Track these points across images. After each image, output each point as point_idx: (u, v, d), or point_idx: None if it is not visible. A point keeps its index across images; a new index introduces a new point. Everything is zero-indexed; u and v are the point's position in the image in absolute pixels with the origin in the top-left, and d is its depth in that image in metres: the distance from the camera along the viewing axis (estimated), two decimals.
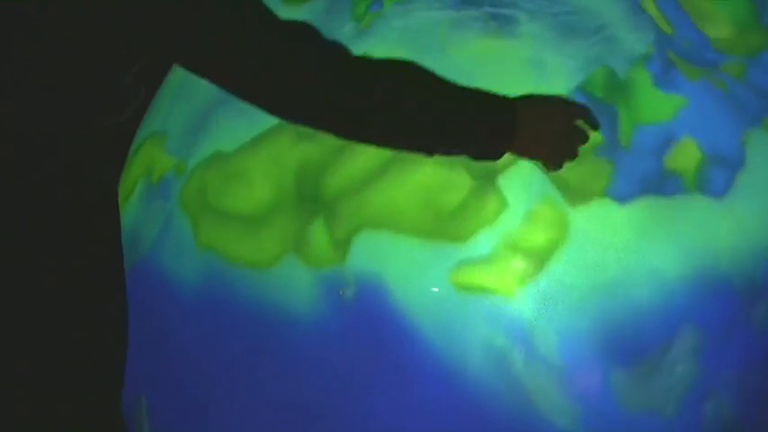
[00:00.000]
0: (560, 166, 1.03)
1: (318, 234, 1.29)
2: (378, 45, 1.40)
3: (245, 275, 1.33)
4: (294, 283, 1.30)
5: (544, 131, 1.00)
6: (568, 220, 1.25)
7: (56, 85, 0.93)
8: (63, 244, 1.06)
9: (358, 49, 1.38)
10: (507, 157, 1.00)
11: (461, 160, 1.06)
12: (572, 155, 1.02)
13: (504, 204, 1.25)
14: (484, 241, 1.24)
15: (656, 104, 1.29)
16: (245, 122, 1.38)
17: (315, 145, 1.32)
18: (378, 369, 1.26)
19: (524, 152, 1.01)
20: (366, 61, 1.00)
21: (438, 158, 1.03)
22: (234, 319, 1.35)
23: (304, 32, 0.95)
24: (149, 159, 1.50)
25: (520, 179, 1.26)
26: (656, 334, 1.24)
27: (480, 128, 0.98)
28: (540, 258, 1.24)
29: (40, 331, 1.08)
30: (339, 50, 0.97)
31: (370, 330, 1.25)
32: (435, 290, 1.24)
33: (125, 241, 1.39)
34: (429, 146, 0.99)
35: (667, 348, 1.23)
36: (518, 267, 1.24)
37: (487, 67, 1.33)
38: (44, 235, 1.03)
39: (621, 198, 1.26)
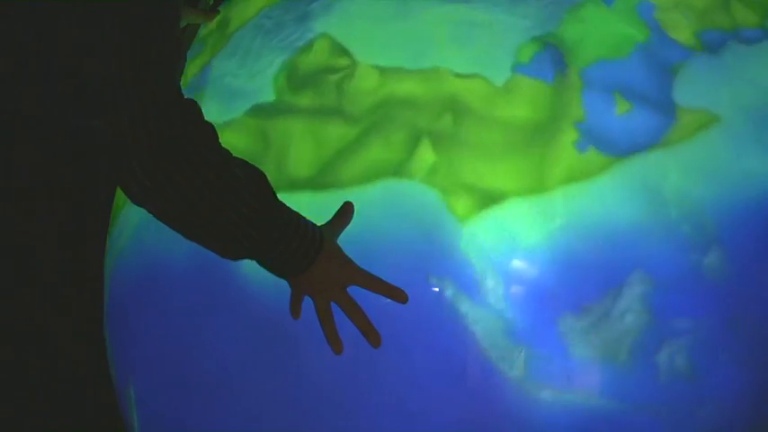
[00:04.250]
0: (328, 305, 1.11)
1: None
2: (339, 18, 1.46)
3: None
4: None
5: (329, 278, 1.11)
6: (520, 167, 1.27)
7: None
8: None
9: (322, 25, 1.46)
10: None
11: None
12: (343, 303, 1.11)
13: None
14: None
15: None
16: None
17: None
18: None
19: (303, 288, 1.12)
20: (226, 153, 1.07)
21: None
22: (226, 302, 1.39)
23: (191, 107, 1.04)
24: None
25: None
26: (605, 281, 1.24)
27: (282, 254, 1.08)
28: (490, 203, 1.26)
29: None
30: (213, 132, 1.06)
31: None
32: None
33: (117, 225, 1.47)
34: (230, 249, 1.08)
35: (617, 296, 1.23)
36: (466, 208, 1.26)
37: (443, 30, 1.38)
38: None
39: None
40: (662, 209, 1.25)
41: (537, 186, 1.26)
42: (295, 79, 1.44)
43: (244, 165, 1.09)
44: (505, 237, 1.25)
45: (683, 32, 1.35)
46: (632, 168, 1.26)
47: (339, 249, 1.14)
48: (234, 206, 1.04)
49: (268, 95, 1.45)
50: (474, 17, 1.40)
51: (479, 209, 1.26)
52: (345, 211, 1.17)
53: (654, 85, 1.30)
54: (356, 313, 1.11)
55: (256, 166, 1.10)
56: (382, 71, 1.38)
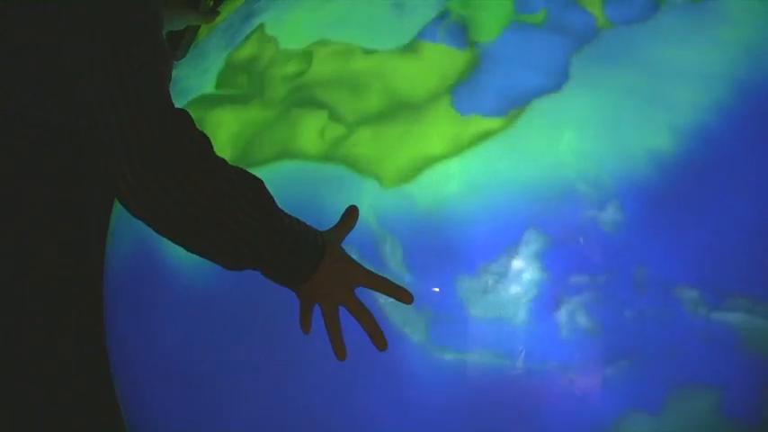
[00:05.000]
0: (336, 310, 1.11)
1: None
2: (275, 10, 1.54)
3: None
4: None
5: (335, 282, 1.10)
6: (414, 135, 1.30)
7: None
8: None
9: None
10: None
11: None
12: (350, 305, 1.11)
13: None
14: None
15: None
16: None
17: None
18: None
19: (310, 295, 1.11)
20: (221, 161, 1.09)
21: None
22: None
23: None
24: None
25: None
26: (501, 241, 1.24)
27: (285, 261, 1.08)
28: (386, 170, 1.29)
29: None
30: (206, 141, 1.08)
31: None
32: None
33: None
34: (232, 259, 1.08)
35: (512, 255, 1.24)
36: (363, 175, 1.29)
37: (357, 11, 1.43)
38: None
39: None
40: (557, 168, 1.24)
41: (431, 151, 1.28)
42: (231, 71, 1.52)
43: (240, 173, 1.09)
44: (402, 202, 1.28)
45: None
46: (526, 129, 1.27)
47: (343, 252, 1.14)
48: (231, 214, 1.04)
49: (210, 89, 1.53)
50: None
51: (375, 176, 1.29)
52: (349, 215, 1.17)
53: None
54: (364, 315, 1.11)
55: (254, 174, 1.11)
56: (302, 55, 1.43)
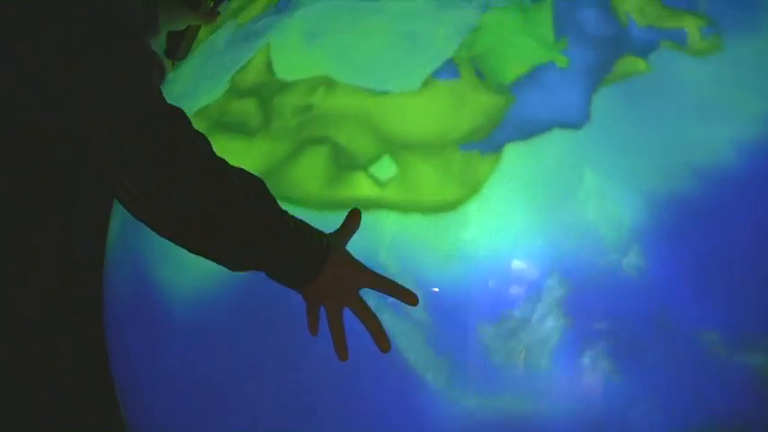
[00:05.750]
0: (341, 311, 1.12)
1: None
2: (278, 33, 1.49)
3: None
4: None
5: (341, 284, 1.11)
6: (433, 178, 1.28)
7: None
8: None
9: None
10: None
11: None
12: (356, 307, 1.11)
13: None
14: None
15: None
16: None
17: None
18: None
19: (316, 297, 1.11)
20: (221, 161, 1.08)
21: None
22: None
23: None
24: None
25: None
26: (523, 288, 1.23)
27: (291, 262, 1.07)
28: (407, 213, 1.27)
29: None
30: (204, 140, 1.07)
31: None
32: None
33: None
34: (236, 260, 1.08)
35: (535, 301, 1.22)
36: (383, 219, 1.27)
37: (366, 43, 1.39)
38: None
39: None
40: (579, 211, 1.23)
41: (448, 195, 1.26)
42: (234, 95, 1.48)
43: (241, 173, 1.09)
44: (423, 247, 1.26)
45: None
46: (546, 170, 1.25)
47: (348, 254, 1.14)
48: (233, 214, 1.03)
49: (212, 112, 1.49)
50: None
51: (396, 219, 1.26)
52: (353, 218, 1.17)
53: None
54: (369, 317, 1.12)
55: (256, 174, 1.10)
56: (310, 87, 1.40)
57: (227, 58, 1.56)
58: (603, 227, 1.22)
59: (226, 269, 1.11)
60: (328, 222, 1.21)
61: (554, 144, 1.25)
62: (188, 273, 1.38)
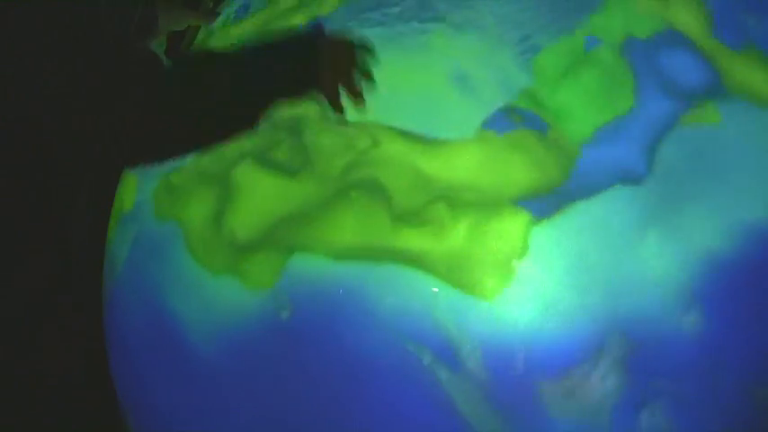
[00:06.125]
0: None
1: None
2: None
3: None
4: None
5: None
6: (493, 236, 1.26)
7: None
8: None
9: None
10: None
11: None
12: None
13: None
14: None
15: None
16: None
17: None
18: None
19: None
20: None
21: None
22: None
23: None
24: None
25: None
26: (584, 345, 1.22)
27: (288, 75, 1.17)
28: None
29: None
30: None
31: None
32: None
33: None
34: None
35: (597, 359, 1.22)
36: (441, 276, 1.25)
37: (412, 83, 1.35)
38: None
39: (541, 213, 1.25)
40: (641, 270, 1.22)
41: (510, 251, 1.24)
42: (275, 129, 1.43)
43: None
44: (482, 302, 1.24)
45: None
46: (607, 228, 1.23)
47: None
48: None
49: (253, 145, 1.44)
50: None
51: (447, 278, 1.25)
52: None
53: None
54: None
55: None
56: (355, 129, 1.36)
57: None
58: (665, 285, 1.22)
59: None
60: (369, 275, 1.20)
61: (616, 200, 1.24)
62: (211, 310, 1.35)
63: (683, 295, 1.22)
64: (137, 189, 1.53)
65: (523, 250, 1.24)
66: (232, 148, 1.41)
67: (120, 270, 1.52)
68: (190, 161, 1.45)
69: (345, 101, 1.16)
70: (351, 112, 1.34)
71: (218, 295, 1.37)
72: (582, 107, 1.28)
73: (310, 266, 1.28)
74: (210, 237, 1.41)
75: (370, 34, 1.40)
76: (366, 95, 1.25)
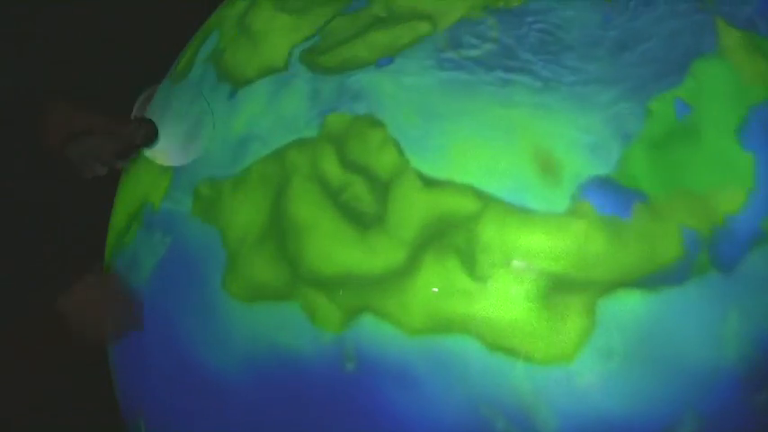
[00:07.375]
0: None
1: None
2: (380, 106, 1.39)
3: None
4: None
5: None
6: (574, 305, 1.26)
7: None
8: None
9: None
10: None
11: None
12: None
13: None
14: None
15: None
16: None
17: None
18: None
19: None
20: None
21: None
22: None
23: None
24: None
25: None
26: (658, 422, 1.25)
27: None
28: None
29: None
30: None
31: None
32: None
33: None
34: None
35: None
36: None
37: (496, 137, 1.32)
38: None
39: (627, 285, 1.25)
40: (721, 351, 1.24)
41: (592, 323, 1.24)
42: (351, 169, 1.38)
43: None
44: (559, 373, 1.25)
45: None
46: (691, 308, 1.25)
47: None
48: None
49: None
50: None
51: (532, 351, 1.25)
52: None
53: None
54: None
55: None
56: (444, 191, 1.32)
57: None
58: (742, 367, 1.24)
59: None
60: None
61: (703, 284, 1.24)
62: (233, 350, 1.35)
63: (757, 375, 1.24)
64: (169, 190, 1.48)
65: (605, 324, 1.24)
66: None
67: (145, 276, 1.48)
68: (241, 168, 1.41)
69: None
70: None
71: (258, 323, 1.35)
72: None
73: (383, 330, 1.27)
74: (263, 262, 1.38)
75: (453, 78, 1.35)
76: None
